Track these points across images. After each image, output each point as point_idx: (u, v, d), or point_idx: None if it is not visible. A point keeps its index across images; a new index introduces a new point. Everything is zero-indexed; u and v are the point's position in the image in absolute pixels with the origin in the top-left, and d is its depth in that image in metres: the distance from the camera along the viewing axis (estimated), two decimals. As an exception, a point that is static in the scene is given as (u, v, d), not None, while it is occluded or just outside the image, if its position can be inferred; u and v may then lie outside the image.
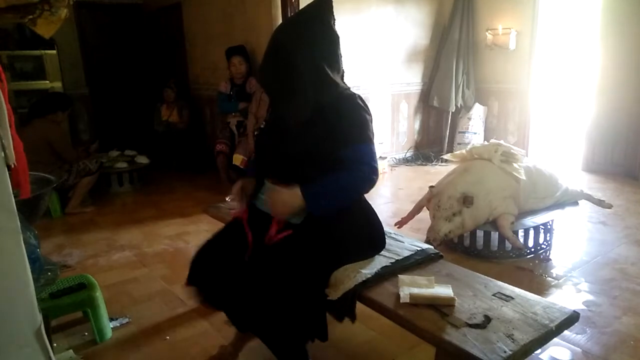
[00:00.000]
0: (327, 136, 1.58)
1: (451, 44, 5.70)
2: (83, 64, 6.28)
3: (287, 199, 1.56)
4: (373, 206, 1.82)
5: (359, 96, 1.67)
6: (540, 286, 2.59)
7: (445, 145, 6.06)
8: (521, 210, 2.93)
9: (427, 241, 2.76)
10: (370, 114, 1.66)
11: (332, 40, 1.65)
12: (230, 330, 2.03)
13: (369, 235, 1.75)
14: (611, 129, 4.93)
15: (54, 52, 5.55)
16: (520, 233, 3.00)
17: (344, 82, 1.71)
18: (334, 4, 1.70)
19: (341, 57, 1.68)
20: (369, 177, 1.57)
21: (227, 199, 4.07)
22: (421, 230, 3.24)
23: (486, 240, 2.97)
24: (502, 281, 1.61)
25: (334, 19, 1.67)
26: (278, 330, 1.50)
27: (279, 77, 1.60)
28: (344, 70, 1.72)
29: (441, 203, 2.84)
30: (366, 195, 1.82)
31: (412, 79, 5.91)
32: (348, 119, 1.60)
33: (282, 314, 1.48)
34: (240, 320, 1.76)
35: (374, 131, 1.65)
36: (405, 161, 5.96)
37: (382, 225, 1.81)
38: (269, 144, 1.74)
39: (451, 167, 3.41)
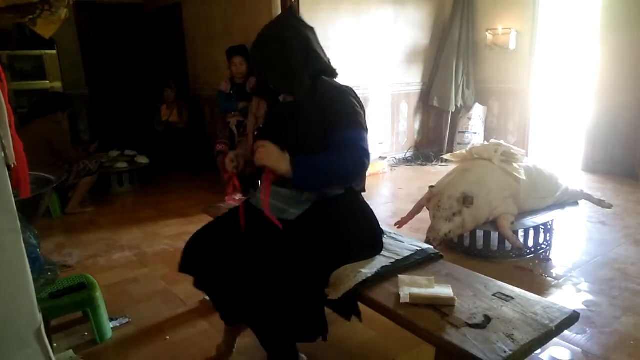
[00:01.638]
0: (319, 126, 1.60)
1: (451, 44, 5.70)
2: (83, 64, 6.28)
3: (275, 154, 1.54)
4: (373, 206, 1.82)
5: (351, 89, 1.71)
6: (540, 286, 2.59)
7: (445, 145, 6.06)
8: (521, 210, 2.94)
9: (427, 241, 2.76)
10: (362, 107, 1.69)
11: (310, 28, 1.72)
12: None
13: (368, 235, 1.75)
14: (611, 128, 4.93)
15: (54, 52, 5.54)
16: (520, 233, 3.00)
17: (331, 65, 1.74)
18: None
19: (321, 48, 1.73)
20: (361, 159, 1.57)
21: (227, 199, 4.07)
22: (421, 230, 3.24)
23: (486, 240, 2.97)
24: (502, 281, 1.61)
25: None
26: (273, 327, 1.50)
27: (273, 62, 1.64)
28: (330, 60, 1.75)
29: (441, 203, 2.84)
30: (365, 195, 1.83)
31: (412, 79, 5.91)
32: (339, 107, 1.62)
33: (280, 311, 1.48)
34: (230, 313, 1.78)
35: (367, 126, 1.67)
36: (405, 161, 5.96)
37: (380, 227, 1.82)
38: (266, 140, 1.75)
39: (451, 167, 3.41)
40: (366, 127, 1.65)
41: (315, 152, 1.57)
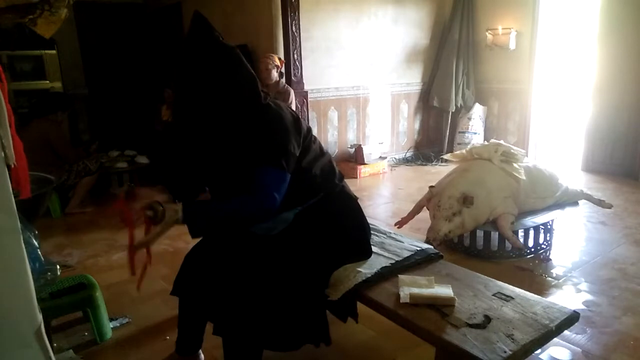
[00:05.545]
0: (248, 148, 1.53)
1: (451, 44, 5.71)
2: (83, 64, 6.28)
3: (165, 212, 1.54)
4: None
5: (286, 109, 1.62)
6: (540, 286, 2.59)
7: (445, 145, 6.06)
8: (521, 210, 2.93)
9: (427, 241, 2.76)
10: (298, 128, 1.59)
11: (225, 57, 1.60)
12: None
13: (354, 243, 1.73)
14: (610, 128, 4.93)
15: (54, 52, 5.54)
16: (520, 233, 3.00)
17: (260, 93, 1.60)
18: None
19: (246, 67, 1.60)
20: (265, 207, 1.48)
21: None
22: (421, 230, 3.24)
23: (486, 240, 2.96)
24: (502, 281, 1.61)
25: (218, 33, 1.64)
26: (279, 333, 1.49)
27: (201, 104, 1.56)
28: (256, 80, 1.62)
29: (441, 203, 2.84)
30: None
31: (412, 79, 5.92)
32: (268, 137, 1.53)
33: (283, 317, 1.48)
34: (195, 339, 1.84)
35: (293, 154, 1.55)
36: (405, 161, 5.96)
37: (368, 232, 1.79)
38: (199, 158, 1.72)
39: (451, 167, 3.41)
40: (291, 156, 1.53)
41: (242, 174, 1.53)
